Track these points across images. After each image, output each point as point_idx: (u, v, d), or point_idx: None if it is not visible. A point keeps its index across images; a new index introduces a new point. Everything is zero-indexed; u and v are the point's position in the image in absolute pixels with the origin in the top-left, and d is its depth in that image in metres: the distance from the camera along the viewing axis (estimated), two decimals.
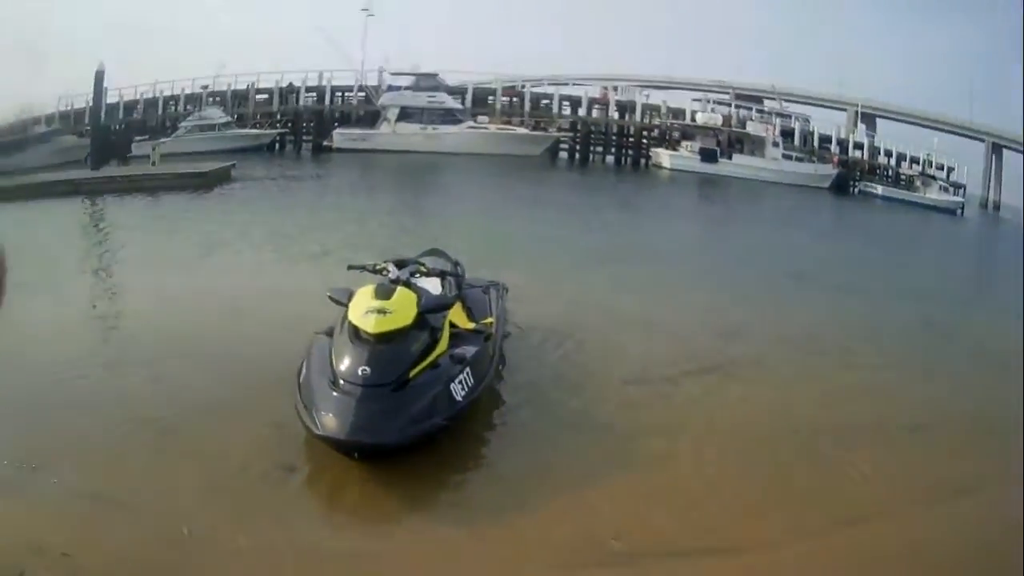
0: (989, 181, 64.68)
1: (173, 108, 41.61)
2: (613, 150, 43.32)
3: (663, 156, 41.08)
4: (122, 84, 40.39)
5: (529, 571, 4.69)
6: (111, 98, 38.08)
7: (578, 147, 42.33)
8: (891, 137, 53.05)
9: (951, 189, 47.93)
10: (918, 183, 46.54)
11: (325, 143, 38.50)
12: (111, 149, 32.49)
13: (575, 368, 7.84)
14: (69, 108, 41.74)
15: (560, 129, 42.29)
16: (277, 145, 39.06)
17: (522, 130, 40.43)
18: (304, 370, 6.05)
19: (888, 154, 50.06)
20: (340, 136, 38.50)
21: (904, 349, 9.84)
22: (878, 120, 59.90)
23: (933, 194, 45.26)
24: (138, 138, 36.16)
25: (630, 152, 43.14)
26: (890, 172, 48.90)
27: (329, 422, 5.49)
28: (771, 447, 6.30)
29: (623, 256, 15.38)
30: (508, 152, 36.95)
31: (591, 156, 42.53)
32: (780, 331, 9.98)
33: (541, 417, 6.69)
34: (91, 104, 34.33)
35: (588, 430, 6.41)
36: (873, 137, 52.24)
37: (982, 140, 68.08)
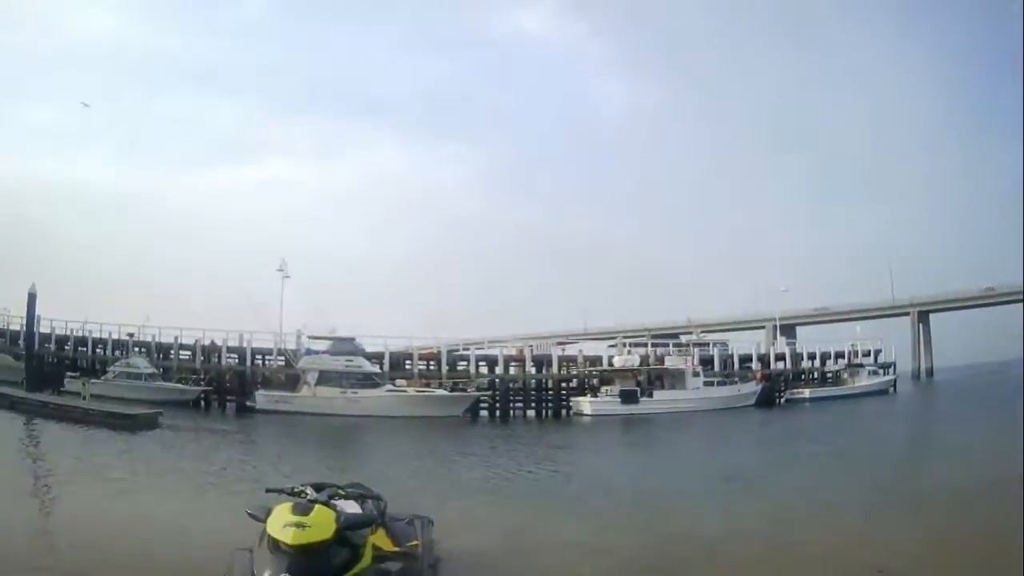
0: (919, 349, 65.67)
1: (102, 351, 44.40)
2: (533, 404, 42.99)
3: (583, 403, 40.74)
4: (54, 315, 43.66)
5: None
6: (44, 327, 41.51)
7: (498, 404, 41.83)
8: (813, 339, 54.52)
9: (880, 371, 48.60)
10: (845, 375, 47.22)
11: (248, 403, 38.46)
12: (45, 379, 34.33)
13: None
14: (5, 327, 45.73)
15: (479, 388, 42.12)
16: (202, 402, 39.98)
17: (441, 392, 40.18)
18: None
19: (812, 356, 50.83)
20: (262, 397, 38.53)
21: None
22: (797, 327, 61.57)
23: (863, 381, 45.82)
24: (70, 374, 37.81)
25: (550, 404, 42.83)
26: (815, 373, 49.33)
27: None
28: None
29: (547, 491, 15.53)
30: (428, 414, 36.45)
31: (511, 412, 41.94)
32: (723, 531, 10.31)
33: None
34: (24, 328, 37.06)
35: None
36: (794, 344, 53.34)
37: (906, 313, 70.02)
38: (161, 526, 10.26)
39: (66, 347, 45.43)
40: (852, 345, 51.69)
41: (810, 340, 54.49)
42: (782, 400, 44.91)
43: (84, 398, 28.07)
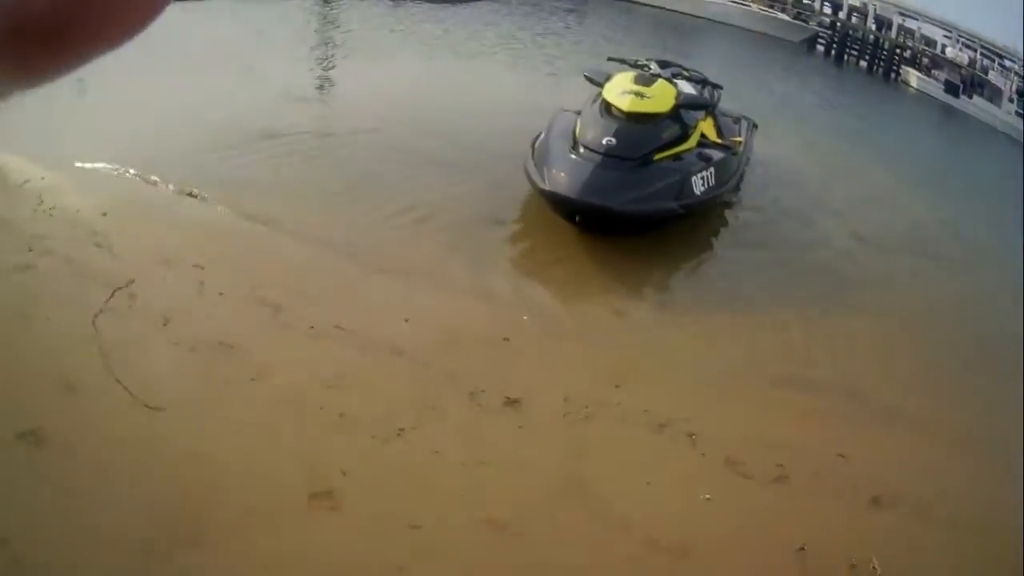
0: None
1: None
2: (867, 58, 44.56)
3: (912, 76, 41.15)
4: None
5: (712, 372, 4.44)
6: None
7: (835, 46, 43.54)
8: None
9: None
10: None
11: None
12: None
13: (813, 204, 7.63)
14: None
15: (820, 25, 43.67)
16: None
17: (785, 16, 39.08)
18: (543, 135, 5.95)
19: None
20: None
21: None
22: None
23: None
24: None
25: (882, 64, 44.28)
26: None
27: (561, 180, 5.29)
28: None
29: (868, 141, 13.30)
30: (767, 32, 36.42)
31: (846, 56, 43.73)
32: None
33: (773, 242, 6.44)
34: None
35: (807, 267, 6.13)
36: None
37: None
38: (468, 92, 9.14)
39: None
40: None
41: None
42: None
43: None
